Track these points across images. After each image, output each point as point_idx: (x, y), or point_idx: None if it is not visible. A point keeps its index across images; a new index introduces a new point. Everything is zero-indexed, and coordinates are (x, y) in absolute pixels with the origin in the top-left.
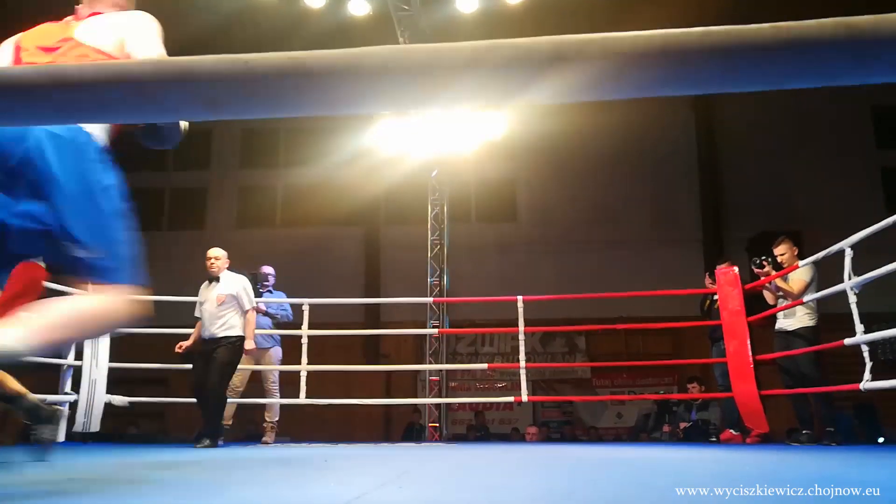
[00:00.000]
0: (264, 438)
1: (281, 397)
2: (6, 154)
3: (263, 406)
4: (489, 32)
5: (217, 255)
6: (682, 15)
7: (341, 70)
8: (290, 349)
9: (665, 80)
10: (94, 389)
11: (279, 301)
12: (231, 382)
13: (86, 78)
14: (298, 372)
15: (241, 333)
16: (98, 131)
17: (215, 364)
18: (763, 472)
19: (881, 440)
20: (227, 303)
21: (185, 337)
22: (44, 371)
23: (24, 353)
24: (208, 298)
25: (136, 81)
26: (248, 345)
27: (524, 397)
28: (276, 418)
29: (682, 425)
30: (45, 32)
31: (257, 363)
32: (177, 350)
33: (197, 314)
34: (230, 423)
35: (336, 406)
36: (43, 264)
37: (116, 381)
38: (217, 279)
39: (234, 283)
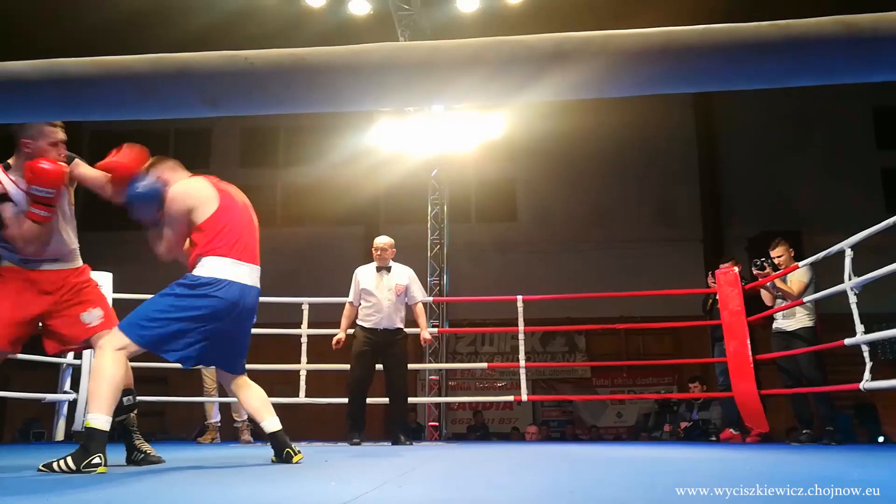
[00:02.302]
0: (244, 438)
1: (280, 397)
2: None
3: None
4: (490, 32)
5: (388, 244)
6: (683, 14)
7: (342, 66)
8: (290, 349)
9: (666, 78)
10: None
11: None
12: (205, 383)
13: (86, 74)
14: (298, 371)
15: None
16: None
17: (402, 360)
18: (763, 471)
19: (881, 440)
20: (403, 294)
21: None
22: (43, 370)
23: None
24: (381, 287)
25: (137, 78)
26: (427, 335)
27: (524, 396)
28: (245, 417)
29: (683, 425)
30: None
31: None
32: (335, 347)
33: (356, 301)
34: (219, 419)
35: (336, 405)
36: None
37: None
38: (388, 269)
39: (405, 274)
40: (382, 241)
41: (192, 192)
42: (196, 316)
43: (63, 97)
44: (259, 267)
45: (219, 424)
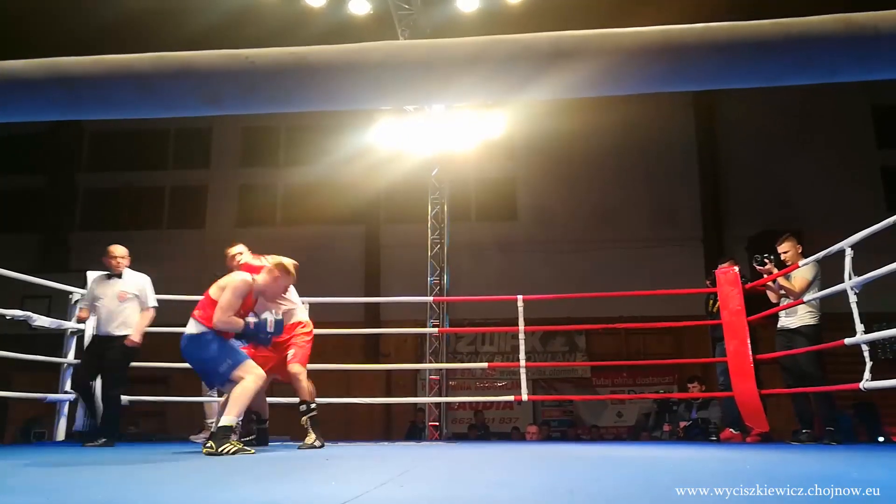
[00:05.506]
0: (194, 436)
1: (280, 397)
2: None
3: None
4: (490, 32)
5: (123, 254)
6: (683, 12)
7: (342, 65)
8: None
9: (665, 76)
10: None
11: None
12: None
13: (87, 73)
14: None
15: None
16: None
17: (110, 364)
18: (763, 471)
19: (881, 439)
20: (129, 300)
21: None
22: (44, 370)
23: None
24: (106, 294)
25: (138, 76)
26: (136, 337)
27: (524, 396)
28: (213, 420)
29: (683, 424)
30: None
31: None
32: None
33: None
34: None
35: (336, 405)
36: None
37: None
38: (119, 275)
39: (137, 281)
40: (120, 250)
41: None
42: None
43: (64, 96)
44: (192, 319)
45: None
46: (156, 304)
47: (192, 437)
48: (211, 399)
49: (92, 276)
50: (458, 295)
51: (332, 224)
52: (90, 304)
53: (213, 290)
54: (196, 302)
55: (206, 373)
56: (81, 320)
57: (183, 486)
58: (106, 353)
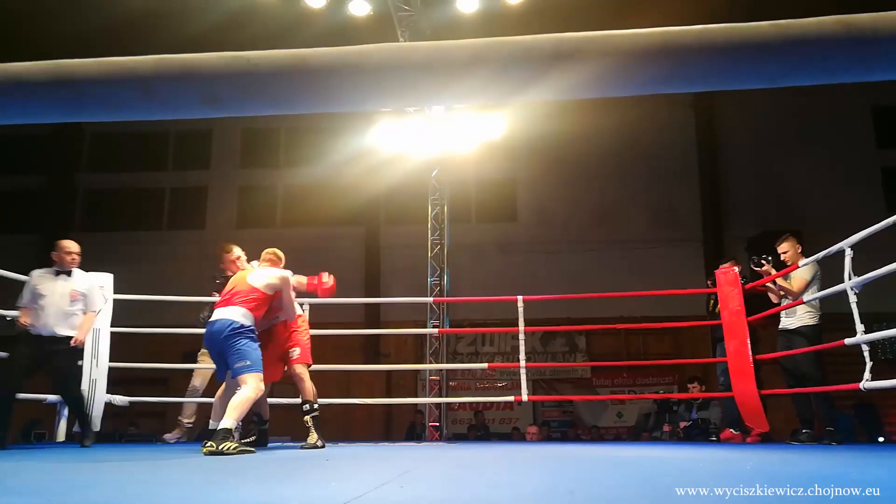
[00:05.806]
0: (168, 435)
1: (279, 397)
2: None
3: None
4: (490, 33)
5: (78, 251)
6: (683, 14)
7: (343, 67)
8: None
9: (665, 78)
10: (94, 389)
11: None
12: (192, 382)
13: (88, 75)
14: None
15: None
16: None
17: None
18: (763, 471)
19: (881, 439)
20: (79, 300)
21: (185, 337)
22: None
23: None
24: (54, 292)
25: (138, 78)
26: (83, 336)
27: (524, 397)
28: (190, 420)
29: (683, 425)
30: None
31: None
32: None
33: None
34: (192, 420)
35: (336, 406)
36: None
37: (116, 381)
38: (69, 273)
39: (87, 281)
40: (74, 245)
41: None
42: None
43: (65, 98)
44: (230, 308)
45: (189, 425)
46: (101, 308)
47: (166, 436)
48: (191, 400)
49: (35, 273)
50: (458, 296)
51: (333, 225)
52: (30, 303)
53: (256, 281)
54: (198, 303)
55: (222, 360)
56: (23, 327)
57: (183, 486)
58: (56, 355)
